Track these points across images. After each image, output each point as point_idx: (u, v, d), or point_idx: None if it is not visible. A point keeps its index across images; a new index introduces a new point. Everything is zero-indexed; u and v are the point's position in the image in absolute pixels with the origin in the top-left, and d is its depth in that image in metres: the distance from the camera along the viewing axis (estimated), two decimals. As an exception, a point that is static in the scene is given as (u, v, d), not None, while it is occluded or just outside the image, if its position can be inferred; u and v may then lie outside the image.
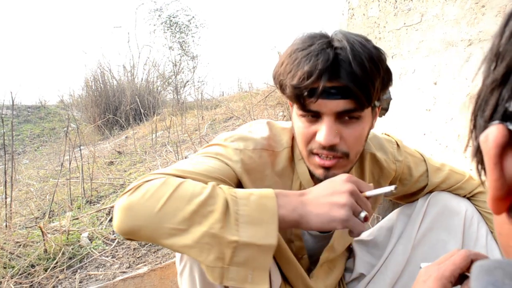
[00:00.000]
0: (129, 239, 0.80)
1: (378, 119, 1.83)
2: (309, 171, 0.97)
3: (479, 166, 0.36)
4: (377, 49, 0.84)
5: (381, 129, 1.80)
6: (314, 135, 0.86)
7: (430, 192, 1.15)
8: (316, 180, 0.97)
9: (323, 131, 0.83)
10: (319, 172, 0.89)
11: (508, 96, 0.31)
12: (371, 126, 0.93)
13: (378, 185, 1.10)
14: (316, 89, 0.80)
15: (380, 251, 1.19)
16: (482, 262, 0.33)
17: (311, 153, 0.89)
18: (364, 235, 1.25)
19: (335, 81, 0.80)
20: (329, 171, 0.88)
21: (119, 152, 4.40)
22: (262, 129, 1.00)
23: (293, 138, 1.00)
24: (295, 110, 0.89)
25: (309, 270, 1.09)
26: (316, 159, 0.88)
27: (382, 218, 1.30)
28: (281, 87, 0.87)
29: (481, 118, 0.34)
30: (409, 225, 1.14)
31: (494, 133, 0.32)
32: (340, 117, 0.84)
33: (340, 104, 0.82)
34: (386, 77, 0.86)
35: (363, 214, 0.77)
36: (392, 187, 0.78)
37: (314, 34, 0.85)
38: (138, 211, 0.76)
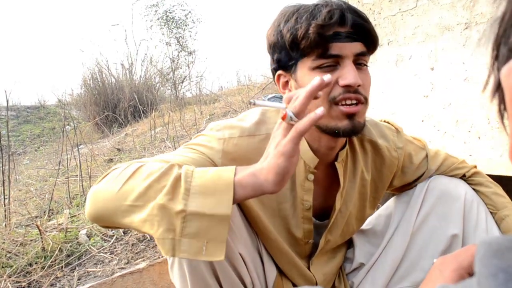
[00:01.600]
0: (104, 226, 0.81)
1: (372, 108, 1.81)
2: (310, 147, 0.95)
3: (502, 107, 0.30)
4: None
5: (379, 116, 1.78)
6: (334, 83, 0.86)
7: (428, 177, 1.13)
8: (318, 155, 0.96)
9: (350, 73, 0.84)
10: (344, 124, 0.87)
11: None
12: None
13: (380, 174, 1.08)
14: (338, 33, 0.83)
15: (379, 239, 1.17)
16: (490, 239, 0.26)
17: (334, 103, 0.86)
18: (363, 225, 1.23)
19: (350, 26, 0.84)
20: (354, 120, 0.87)
21: (118, 149, 4.39)
22: (252, 115, 0.98)
23: None
24: (307, 65, 0.87)
25: (309, 257, 1.08)
26: (342, 108, 0.86)
27: (381, 206, 1.28)
28: (294, 40, 0.85)
29: (505, 46, 0.28)
30: (407, 212, 1.12)
31: None
32: (355, 62, 0.86)
33: (357, 46, 0.85)
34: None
35: (289, 114, 0.73)
36: (283, 105, 0.76)
37: (299, 3, 0.90)
38: (100, 195, 0.77)
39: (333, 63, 0.86)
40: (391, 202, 1.22)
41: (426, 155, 1.11)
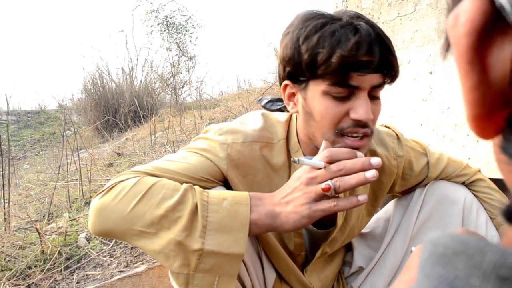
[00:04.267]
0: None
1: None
2: None
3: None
4: None
5: (378, 121, 1.78)
6: (345, 113, 0.82)
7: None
8: None
9: (363, 107, 0.80)
10: None
11: None
12: None
13: (379, 183, 1.07)
14: (361, 63, 0.77)
15: (378, 243, 1.17)
16: (437, 238, 0.20)
17: (340, 135, 0.83)
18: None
19: (377, 57, 0.78)
20: None
21: (119, 154, 4.39)
22: (255, 120, 0.97)
23: (288, 130, 0.98)
24: (319, 88, 0.82)
25: (305, 265, 1.07)
26: (347, 141, 0.83)
27: (380, 209, 1.28)
28: (312, 62, 0.79)
29: None
30: (406, 216, 1.12)
31: (467, 9, 0.20)
32: (370, 94, 0.82)
33: (376, 78, 0.80)
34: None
35: (320, 187, 0.74)
36: (322, 164, 0.76)
37: (320, 12, 0.84)
38: (109, 213, 0.76)
39: (348, 94, 0.81)
40: (390, 205, 1.22)
41: (427, 163, 1.10)
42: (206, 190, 0.80)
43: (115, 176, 0.84)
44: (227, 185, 0.92)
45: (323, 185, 0.74)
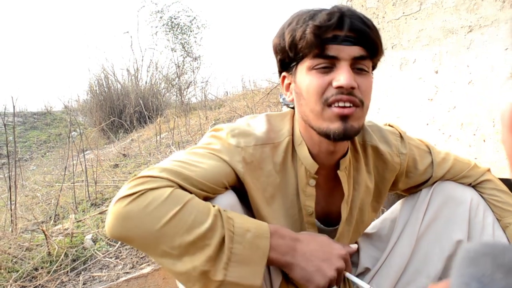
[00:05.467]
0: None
1: (378, 111, 1.81)
2: (310, 154, 0.95)
3: None
4: None
5: (384, 120, 1.77)
6: (328, 84, 0.85)
7: (434, 182, 1.12)
8: (318, 162, 0.95)
9: (344, 74, 0.83)
10: (336, 126, 0.85)
11: None
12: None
13: (382, 179, 1.07)
14: (336, 35, 0.83)
15: (384, 243, 1.16)
16: (469, 246, 0.25)
17: (327, 105, 0.85)
18: (368, 228, 1.22)
19: (350, 30, 0.83)
20: (347, 122, 0.85)
21: (124, 155, 4.40)
22: (261, 122, 0.97)
23: (292, 125, 0.98)
24: (305, 65, 0.87)
25: None
26: (334, 109, 0.85)
27: (387, 209, 1.27)
28: (293, 41, 0.86)
29: None
30: (412, 217, 1.11)
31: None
32: (353, 66, 0.86)
33: (356, 50, 0.84)
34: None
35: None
36: (367, 286, 0.85)
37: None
38: (136, 223, 0.75)
39: (329, 64, 0.85)
40: (396, 206, 1.21)
41: (432, 162, 1.10)
42: (231, 215, 0.81)
43: (133, 179, 0.80)
44: (235, 189, 0.92)
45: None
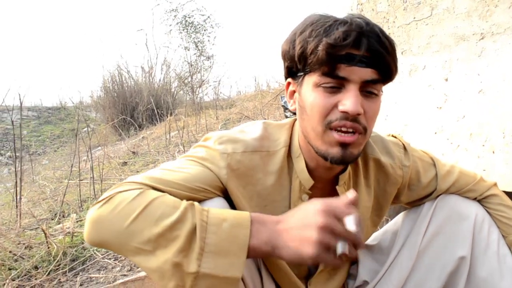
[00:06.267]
0: None
1: (386, 118, 1.77)
2: (307, 168, 0.92)
3: None
4: None
5: (391, 127, 1.73)
6: (333, 106, 0.81)
7: (438, 195, 1.08)
8: (314, 177, 0.92)
9: (351, 99, 0.79)
10: (335, 151, 0.82)
11: None
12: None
13: (384, 192, 1.04)
14: (350, 55, 0.78)
15: (385, 256, 1.13)
16: None
17: (329, 128, 0.82)
18: (369, 240, 1.19)
19: (366, 50, 0.78)
20: (346, 149, 0.82)
21: (134, 153, 4.42)
22: (255, 129, 0.95)
23: (291, 136, 0.95)
24: (312, 80, 0.82)
25: (308, 277, 1.04)
26: (335, 135, 0.81)
27: (391, 219, 1.24)
28: (303, 54, 0.81)
29: None
30: (414, 230, 1.07)
31: None
32: (363, 89, 0.81)
33: (368, 73, 0.80)
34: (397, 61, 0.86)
35: (340, 250, 0.70)
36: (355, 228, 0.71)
37: (325, 14, 0.84)
38: (106, 226, 0.75)
39: (338, 85, 0.81)
40: (398, 218, 1.17)
41: (436, 175, 1.06)
42: (207, 207, 0.78)
43: (113, 186, 0.82)
44: (227, 195, 0.89)
45: (341, 250, 0.70)
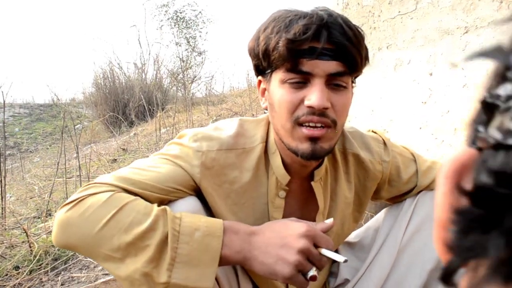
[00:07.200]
0: None
1: (371, 113, 1.75)
2: (283, 164, 0.90)
3: None
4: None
5: (377, 123, 1.72)
6: (300, 101, 0.79)
7: (420, 191, 1.07)
8: (290, 173, 0.91)
9: (316, 93, 0.77)
10: (304, 147, 0.81)
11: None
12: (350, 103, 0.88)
13: (364, 188, 1.02)
14: (312, 48, 0.76)
15: (366, 254, 1.11)
16: None
17: (297, 123, 0.80)
18: (351, 237, 1.17)
19: (328, 42, 0.76)
20: (316, 144, 0.80)
21: (124, 150, 4.38)
22: (230, 126, 0.92)
23: (267, 132, 0.93)
24: (278, 77, 0.81)
25: None
26: (304, 130, 0.80)
27: (372, 217, 1.22)
28: (266, 51, 0.80)
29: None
30: (395, 227, 1.06)
31: (461, 153, 0.26)
32: (329, 82, 0.79)
33: (332, 66, 0.78)
34: (366, 51, 0.84)
35: (311, 273, 0.74)
36: (343, 259, 0.75)
37: (291, 8, 0.82)
38: (75, 230, 0.73)
39: (303, 80, 0.79)
40: (380, 214, 1.16)
41: (416, 171, 1.04)
42: (179, 214, 0.76)
43: (83, 186, 0.79)
44: (201, 194, 0.87)
45: (311, 273, 0.75)
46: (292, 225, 0.77)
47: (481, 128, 0.24)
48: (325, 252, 0.76)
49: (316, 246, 0.77)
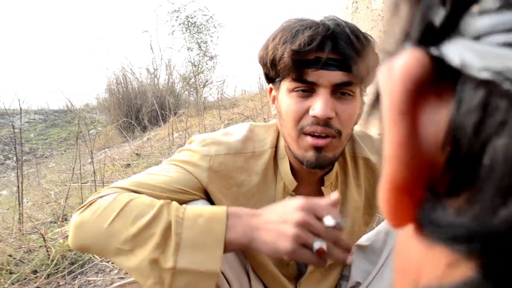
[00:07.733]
0: None
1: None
2: (291, 169, 0.92)
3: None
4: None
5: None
6: (306, 111, 0.82)
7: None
8: (298, 179, 0.92)
9: (319, 103, 0.79)
10: (309, 155, 0.83)
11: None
12: (360, 113, 0.88)
13: (374, 191, 1.03)
14: (317, 59, 0.78)
15: (377, 257, 1.12)
16: None
17: (302, 133, 0.82)
18: (362, 240, 1.18)
19: (334, 53, 0.78)
20: (320, 153, 0.82)
21: (137, 154, 4.43)
22: (239, 131, 0.95)
23: (278, 137, 0.95)
24: (285, 86, 0.84)
25: (298, 278, 1.04)
26: (308, 139, 0.82)
27: (383, 220, 1.23)
28: (273, 61, 0.82)
29: (389, 42, 0.19)
30: (406, 230, 1.07)
31: (404, 60, 0.17)
32: (335, 91, 0.81)
33: (338, 76, 0.79)
34: (376, 59, 0.83)
35: (316, 246, 0.71)
36: (344, 223, 0.74)
37: (301, 17, 0.84)
38: (87, 229, 0.77)
39: (308, 89, 0.81)
40: (391, 217, 1.17)
41: None
42: (184, 205, 0.79)
43: (96, 191, 0.85)
44: (210, 197, 0.90)
45: (317, 246, 0.71)
46: (290, 201, 0.76)
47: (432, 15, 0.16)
48: (326, 221, 0.72)
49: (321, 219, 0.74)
